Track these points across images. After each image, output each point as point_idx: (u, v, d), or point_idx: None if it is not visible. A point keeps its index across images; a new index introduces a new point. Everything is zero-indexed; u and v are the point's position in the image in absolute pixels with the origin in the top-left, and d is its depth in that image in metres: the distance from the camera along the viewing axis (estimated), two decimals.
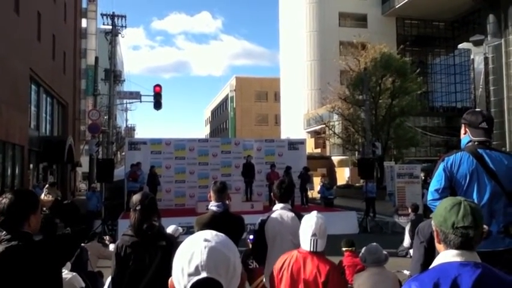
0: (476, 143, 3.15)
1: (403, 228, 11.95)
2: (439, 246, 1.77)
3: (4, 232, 2.35)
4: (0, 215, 2.34)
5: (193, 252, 1.15)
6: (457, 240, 1.69)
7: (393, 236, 12.72)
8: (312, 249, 2.99)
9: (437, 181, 3.13)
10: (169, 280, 1.20)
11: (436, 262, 1.73)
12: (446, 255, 1.70)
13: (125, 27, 24.74)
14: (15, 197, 2.39)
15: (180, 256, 1.18)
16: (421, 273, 1.75)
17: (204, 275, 1.12)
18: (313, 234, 2.99)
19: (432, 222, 1.82)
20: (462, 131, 3.29)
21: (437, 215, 1.78)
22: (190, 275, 1.13)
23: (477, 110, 3.43)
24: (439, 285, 1.60)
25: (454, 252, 1.69)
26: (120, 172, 18.78)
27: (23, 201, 2.40)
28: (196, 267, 1.13)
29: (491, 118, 3.26)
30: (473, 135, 3.18)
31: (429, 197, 3.16)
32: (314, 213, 3.16)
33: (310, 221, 3.05)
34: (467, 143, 3.21)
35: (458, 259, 1.67)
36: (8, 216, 2.34)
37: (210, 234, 1.21)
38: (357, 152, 33.17)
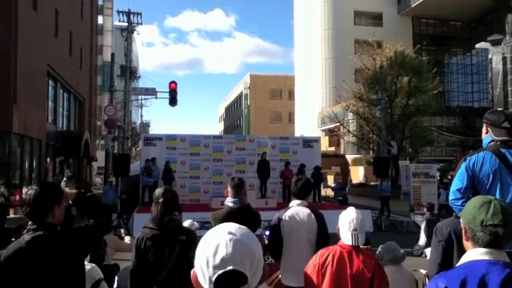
0: (498, 142, 3.11)
1: (418, 228, 11.88)
2: (466, 244, 1.76)
3: (30, 222, 2.42)
4: (26, 206, 2.41)
5: (218, 244, 1.16)
6: (485, 238, 1.67)
7: (408, 235, 12.63)
8: (354, 244, 3.04)
9: (459, 180, 3.10)
10: (192, 272, 1.21)
11: (463, 260, 1.72)
12: (475, 253, 1.69)
13: (141, 24, 25.03)
14: (41, 189, 2.46)
15: (204, 248, 1.18)
16: (448, 270, 1.73)
17: (230, 267, 1.13)
18: (354, 229, 3.05)
19: (461, 219, 1.81)
20: (484, 131, 3.25)
21: (466, 213, 1.77)
22: (215, 267, 1.14)
23: (499, 109, 3.39)
24: (466, 283, 1.59)
25: (483, 250, 1.67)
26: (135, 167, 18.95)
27: (48, 193, 2.47)
28: (223, 260, 1.13)
29: None
30: (495, 134, 3.14)
31: (451, 196, 3.13)
32: (352, 208, 3.22)
33: (350, 216, 3.10)
34: (489, 142, 3.17)
35: (486, 257, 1.65)
36: (34, 207, 2.40)
37: (234, 227, 1.22)
38: (371, 151, 32.97)
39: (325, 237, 3.98)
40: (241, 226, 1.25)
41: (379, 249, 4.42)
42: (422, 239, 10.19)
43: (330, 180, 26.16)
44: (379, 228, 14.34)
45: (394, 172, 26.47)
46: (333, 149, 41.96)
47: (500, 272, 1.60)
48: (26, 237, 2.37)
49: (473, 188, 3.03)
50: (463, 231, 1.77)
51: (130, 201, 15.70)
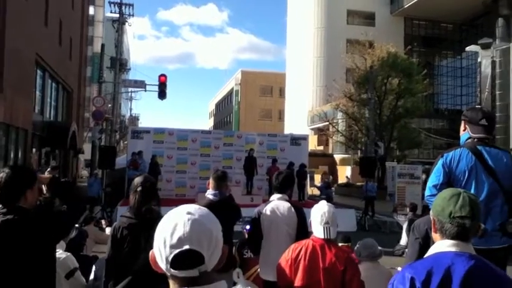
0: (475, 139, 3.14)
1: (401, 228, 11.95)
2: (435, 236, 1.77)
3: (0, 206, 2.38)
4: None
5: (176, 224, 1.15)
6: (453, 229, 1.69)
7: (391, 235, 12.72)
8: (326, 237, 3.04)
9: (435, 177, 3.12)
10: (150, 252, 1.20)
11: (431, 251, 1.74)
12: (442, 245, 1.71)
13: (132, 15, 24.84)
14: (12, 172, 2.41)
15: (162, 228, 1.18)
16: (416, 262, 1.76)
17: (186, 247, 1.12)
18: (326, 222, 3.05)
19: (431, 212, 1.83)
20: (462, 128, 3.27)
21: (435, 205, 1.79)
22: (172, 246, 1.13)
23: (477, 106, 3.41)
24: (432, 274, 1.61)
25: (450, 242, 1.69)
26: (122, 160, 18.84)
27: (19, 176, 2.43)
28: (179, 239, 1.13)
29: (492, 115, 3.24)
30: (472, 131, 3.16)
31: (427, 192, 3.15)
32: (324, 202, 3.23)
33: (321, 210, 3.11)
34: (467, 139, 3.20)
35: (453, 249, 1.68)
36: (5, 190, 2.36)
37: (193, 207, 1.22)
38: (359, 151, 33.11)
39: (304, 231, 3.97)
40: (201, 207, 1.24)
41: (357, 245, 4.44)
42: (404, 239, 10.26)
43: (318, 179, 26.25)
44: (363, 227, 14.42)
45: (380, 173, 26.63)
46: (321, 148, 42.10)
47: (465, 264, 1.62)
48: None
49: (449, 184, 3.05)
50: (432, 223, 1.79)
51: (116, 194, 15.60)
